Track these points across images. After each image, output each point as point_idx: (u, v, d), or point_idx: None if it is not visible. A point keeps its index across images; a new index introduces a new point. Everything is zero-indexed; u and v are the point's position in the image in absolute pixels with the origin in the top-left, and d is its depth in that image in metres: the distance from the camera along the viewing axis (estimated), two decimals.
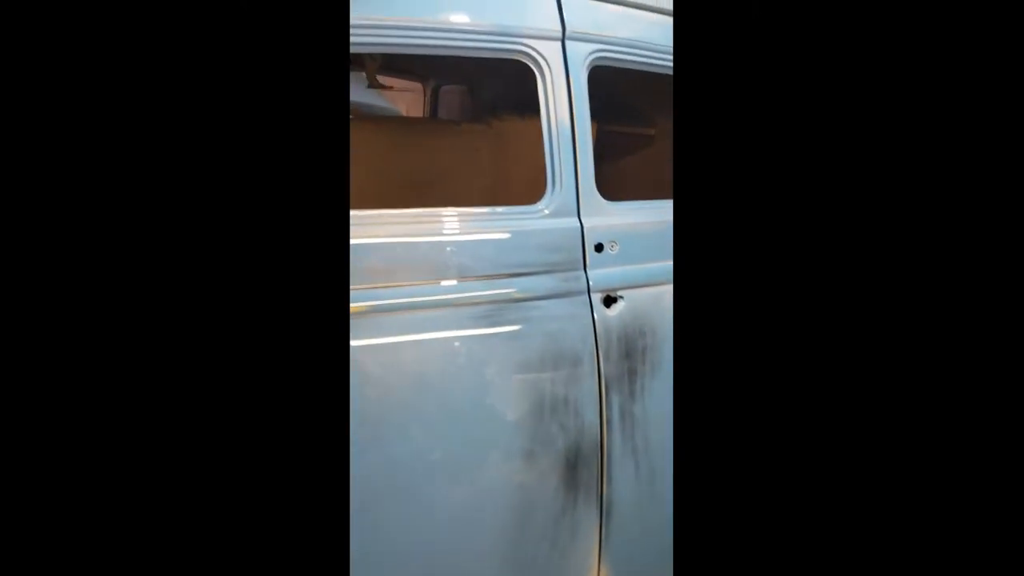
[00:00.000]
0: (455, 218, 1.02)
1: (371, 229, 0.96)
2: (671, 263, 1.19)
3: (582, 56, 1.10)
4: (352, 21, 0.92)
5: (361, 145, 1.26)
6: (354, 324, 0.92)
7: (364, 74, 1.79)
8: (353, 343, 0.92)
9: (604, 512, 1.14)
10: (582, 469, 1.10)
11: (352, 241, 0.93)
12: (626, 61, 1.19)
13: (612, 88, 1.77)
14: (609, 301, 1.12)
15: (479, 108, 2.02)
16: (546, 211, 1.08)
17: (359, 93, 1.95)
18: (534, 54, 1.06)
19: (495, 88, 1.81)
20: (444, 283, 1.00)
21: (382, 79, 1.94)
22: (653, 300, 1.17)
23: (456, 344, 1.00)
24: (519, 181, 1.22)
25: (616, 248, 1.13)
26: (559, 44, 1.08)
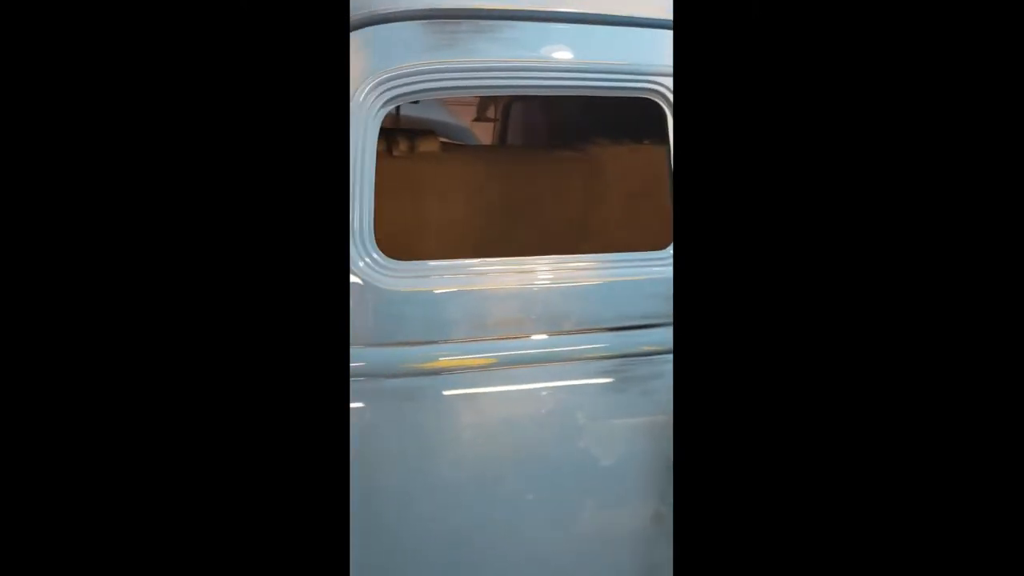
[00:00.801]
0: (579, 266, 0.97)
1: (490, 278, 0.93)
2: None
3: None
4: (479, 63, 0.89)
5: (454, 176, 1.24)
6: (478, 377, 0.90)
7: None
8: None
9: None
10: None
11: (472, 288, 0.90)
12: None
13: None
14: None
15: (561, 130, 1.97)
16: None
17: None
18: (664, 91, 1.01)
19: (576, 108, 1.76)
20: (567, 336, 0.95)
21: None
22: None
23: (582, 400, 0.95)
24: (614, 216, 1.18)
25: None
26: None
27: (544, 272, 0.96)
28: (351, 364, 0.78)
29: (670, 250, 1.02)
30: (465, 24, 0.87)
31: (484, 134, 2.15)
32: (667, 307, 1.00)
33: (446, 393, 0.92)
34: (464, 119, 2.24)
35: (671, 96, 1.01)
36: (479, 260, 0.92)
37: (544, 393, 0.94)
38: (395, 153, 1.14)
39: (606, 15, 0.96)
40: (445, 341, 0.90)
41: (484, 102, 2.00)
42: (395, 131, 1.21)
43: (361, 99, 0.84)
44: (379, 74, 0.84)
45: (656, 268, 1.01)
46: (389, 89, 0.86)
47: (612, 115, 1.49)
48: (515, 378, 0.93)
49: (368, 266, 0.87)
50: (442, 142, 1.39)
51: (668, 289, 1.00)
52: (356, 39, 0.83)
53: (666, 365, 0.99)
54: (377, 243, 0.88)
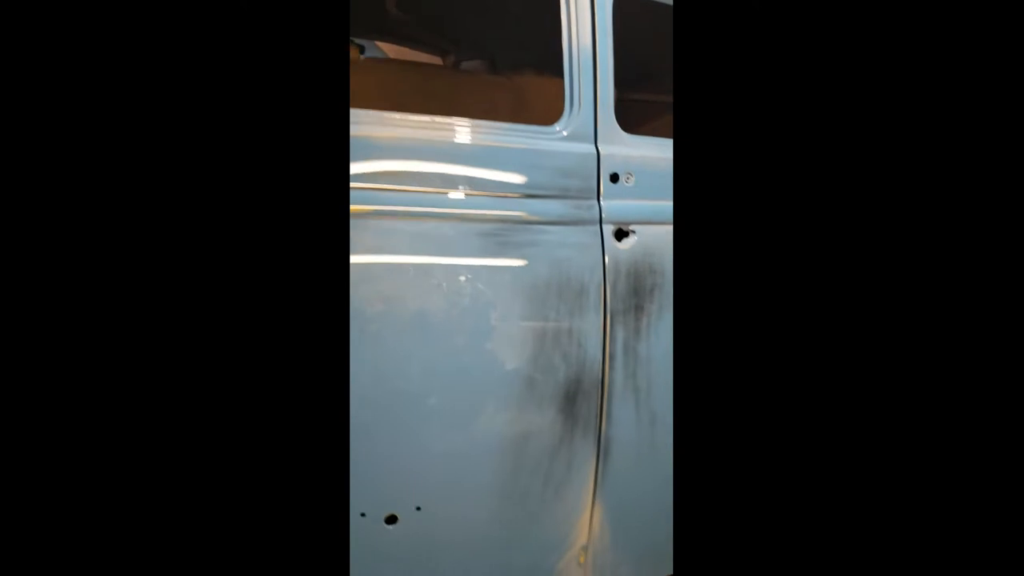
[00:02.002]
0: (470, 129, 0.99)
1: (382, 129, 0.93)
2: None
3: None
4: None
5: (378, 88, 1.24)
6: (359, 225, 0.90)
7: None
8: (358, 247, 0.89)
9: (601, 450, 1.11)
10: (581, 403, 1.08)
11: (360, 135, 0.90)
12: None
13: (632, 54, 1.75)
14: (620, 234, 1.09)
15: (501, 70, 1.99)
16: (564, 133, 1.05)
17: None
18: None
19: (517, 56, 1.77)
20: (452, 195, 0.97)
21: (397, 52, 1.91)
22: (666, 239, 1.13)
23: (461, 257, 0.97)
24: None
25: (632, 180, 1.10)
26: None
27: (431, 130, 0.97)
28: None
29: (557, 126, 1.05)
30: None
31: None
32: (550, 179, 1.04)
33: None
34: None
35: None
36: (364, 111, 0.93)
37: (423, 245, 0.95)
38: None
39: None
40: None
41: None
42: None
43: None
44: None
45: (543, 141, 1.04)
46: None
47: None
48: (393, 230, 0.94)
49: None
50: None
51: (552, 162, 1.04)
52: None
53: (543, 235, 1.02)
54: None
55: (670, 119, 1.85)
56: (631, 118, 1.17)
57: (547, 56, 1.16)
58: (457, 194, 0.97)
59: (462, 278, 0.97)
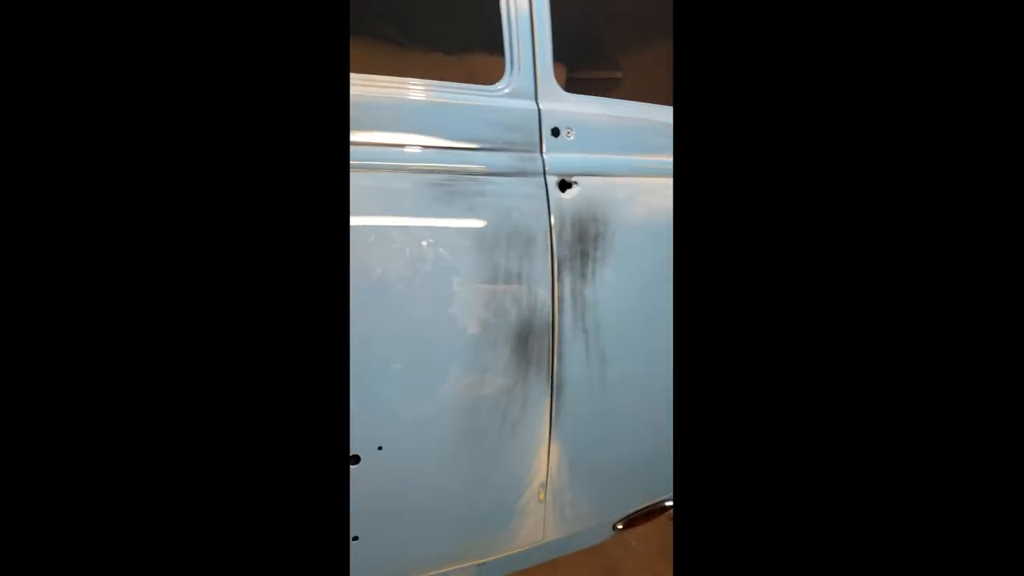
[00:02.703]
0: (420, 88, 1.05)
1: None
2: (626, 157, 1.24)
3: None
4: None
5: None
6: None
7: None
8: None
9: (555, 388, 1.18)
10: (533, 343, 1.14)
11: None
12: None
13: (577, 31, 1.83)
14: (564, 185, 1.17)
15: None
16: (505, 90, 1.12)
17: None
18: None
19: (466, 37, 1.84)
20: (406, 149, 1.03)
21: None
22: (606, 190, 1.21)
23: (415, 207, 1.03)
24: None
25: (572, 135, 1.18)
26: None
27: (382, 87, 1.03)
28: None
29: (499, 84, 1.12)
30: None
31: None
32: (495, 133, 1.10)
33: None
34: None
35: None
36: None
37: (376, 197, 1.00)
38: None
39: None
40: None
41: None
42: None
43: None
44: None
45: (487, 99, 1.10)
46: None
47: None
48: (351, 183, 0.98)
49: None
50: None
51: (496, 117, 1.10)
52: None
53: (490, 185, 1.09)
54: None
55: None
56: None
57: (493, 36, 1.23)
58: (410, 148, 1.03)
59: (416, 227, 1.03)
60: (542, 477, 1.21)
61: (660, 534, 1.86)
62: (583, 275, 1.19)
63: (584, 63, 1.95)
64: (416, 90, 1.05)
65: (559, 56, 1.68)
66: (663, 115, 1.32)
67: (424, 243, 1.03)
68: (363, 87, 1.00)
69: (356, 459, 1.02)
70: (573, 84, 1.87)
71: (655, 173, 1.28)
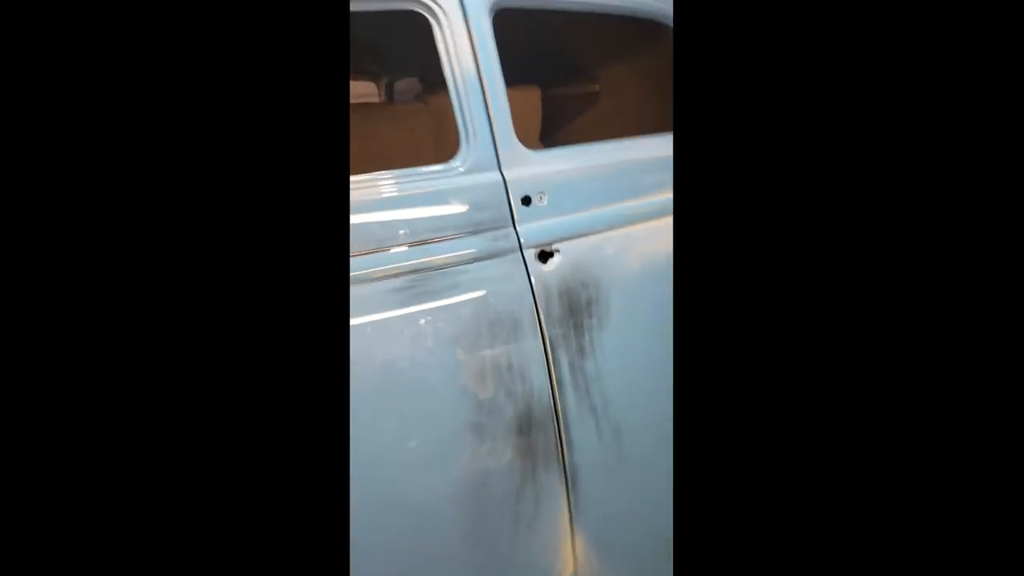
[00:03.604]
0: (364, 184, 0.95)
1: None
2: (610, 208, 1.13)
3: (481, 1, 1.03)
4: None
5: None
6: None
7: None
8: None
9: (569, 478, 1.08)
10: (537, 435, 1.04)
11: None
12: (534, 2, 1.11)
13: (550, 48, 1.70)
14: (544, 256, 1.06)
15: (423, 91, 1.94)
16: (461, 168, 1.01)
17: None
18: (427, 1, 0.99)
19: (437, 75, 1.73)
20: (356, 258, 0.93)
21: None
22: (593, 250, 1.10)
23: (377, 325, 0.94)
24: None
25: (545, 199, 1.06)
26: None
27: None
28: None
29: (455, 161, 1.01)
30: None
31: None
32: (457, 218, 1.00)
33: None
34: None
35: (434, 5, 0.99)
36: None
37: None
38: None
39: None
40: None
41: None
42: None
43: None
44: None
45: (443, 180, 1.00)
46: None
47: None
48: None
49: None
50: None
51: (457, 199, 1.00)
52: None
53: (460, 276, 0.98)
54: None
55: (589, 116, 1.81)
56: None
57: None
58: (361, 257, 0.93)
59: (386, 339, 0.94)
60: (570, 568, 1.12)
61: None
62: (580, 349, 1.08)
63: (559, 81, 1.82)
64: (362, 188, 0.94)
65: (531, 79, 1.56)
66: (647, 149, 1.19)
67: (396, 349, 0.94)
68: None
69: None
70: (549, 104, 1.74)
71: (645, 217, 1.16)
